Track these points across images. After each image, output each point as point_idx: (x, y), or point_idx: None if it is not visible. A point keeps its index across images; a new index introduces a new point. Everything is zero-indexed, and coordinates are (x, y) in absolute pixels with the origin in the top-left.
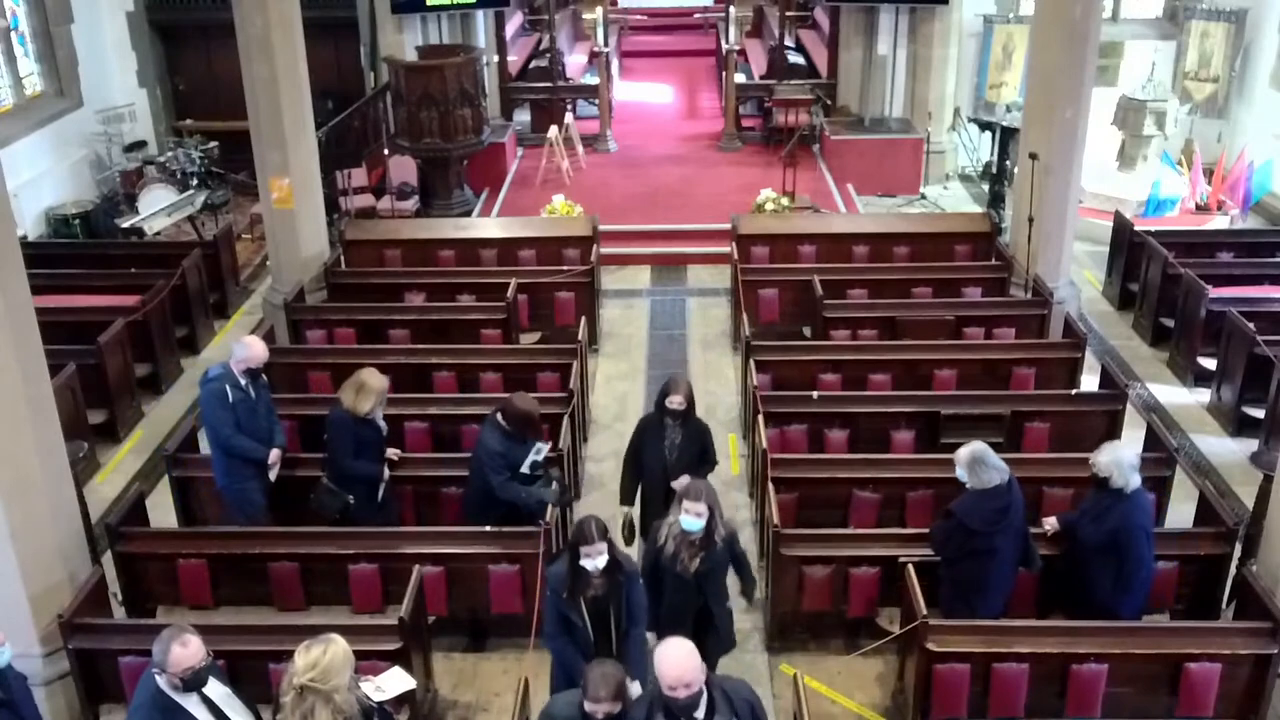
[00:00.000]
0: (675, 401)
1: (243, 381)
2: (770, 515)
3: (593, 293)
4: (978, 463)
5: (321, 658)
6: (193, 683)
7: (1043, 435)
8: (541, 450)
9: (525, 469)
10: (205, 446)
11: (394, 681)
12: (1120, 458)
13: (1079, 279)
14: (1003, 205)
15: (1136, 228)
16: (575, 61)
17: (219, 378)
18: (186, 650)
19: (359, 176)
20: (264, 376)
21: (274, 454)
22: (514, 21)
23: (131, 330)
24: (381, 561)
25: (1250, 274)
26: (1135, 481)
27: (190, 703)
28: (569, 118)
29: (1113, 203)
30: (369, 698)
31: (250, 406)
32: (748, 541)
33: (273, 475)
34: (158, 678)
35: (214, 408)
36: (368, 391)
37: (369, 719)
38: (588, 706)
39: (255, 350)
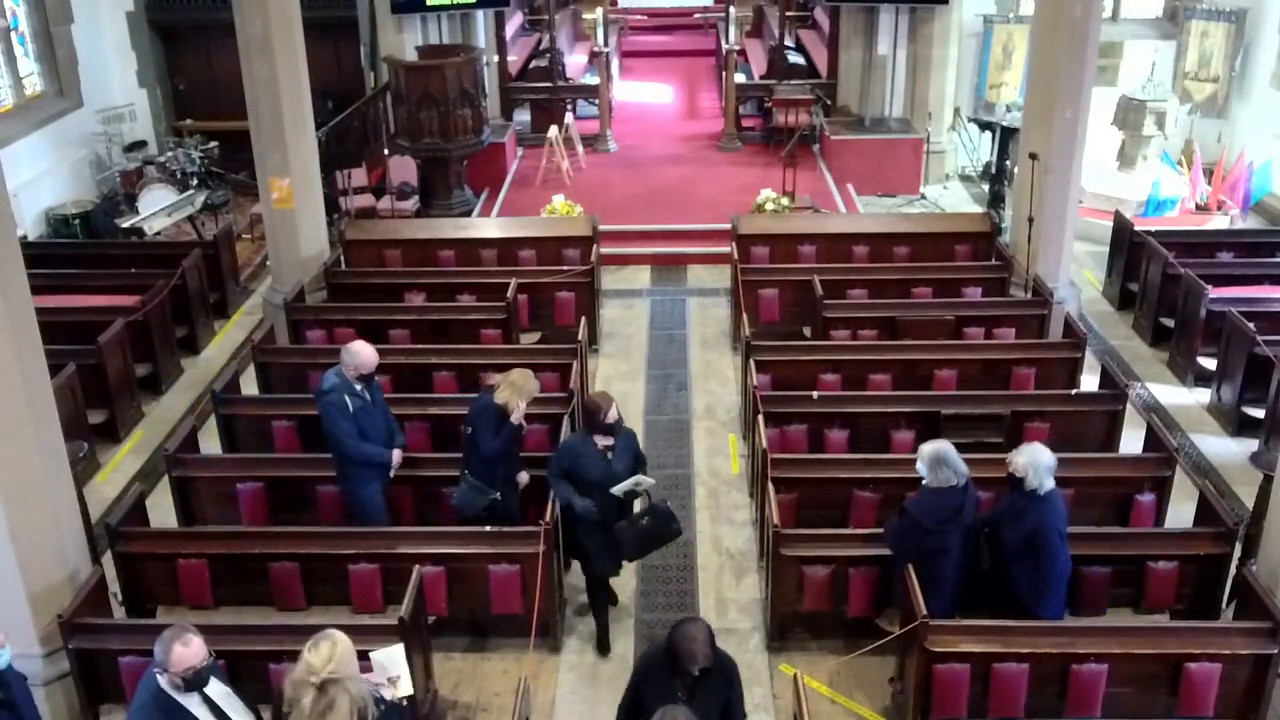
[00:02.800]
0: (695, 668)
1: (358, 387)
2: (770, 515)
3: (593, 293)
4: (940, 462)
5: (334, 650)
6: (194, 682)
7: (1042, 435)
8: (641, 483)
9: (618, 492)
10: (203, 447)
11: (392, 662)
12: (1037, 459)
13: (1079, 279)
14: (1003, 205)
15: (1136, 228)
16: (575, 61)
17: (335, 389)
18: (188, 650)
19: (359, 176)
20: (376, 378)
21: (396, 455)
22: (514, 21)
23: (131, 330)
24: (381, 561)
25: (1250, 274)
26: (1048, 484)
27: (191, 703)
28: (569, 118)
29: (1113, 203)
30: (378, 691)
31: (369, 410)
32: (748, 541)
33: (391, 473)
34: (159, 677)
35: (335, 420)
36: (517, 392)
37: (376, 708)
38: None
39: (365, 356)
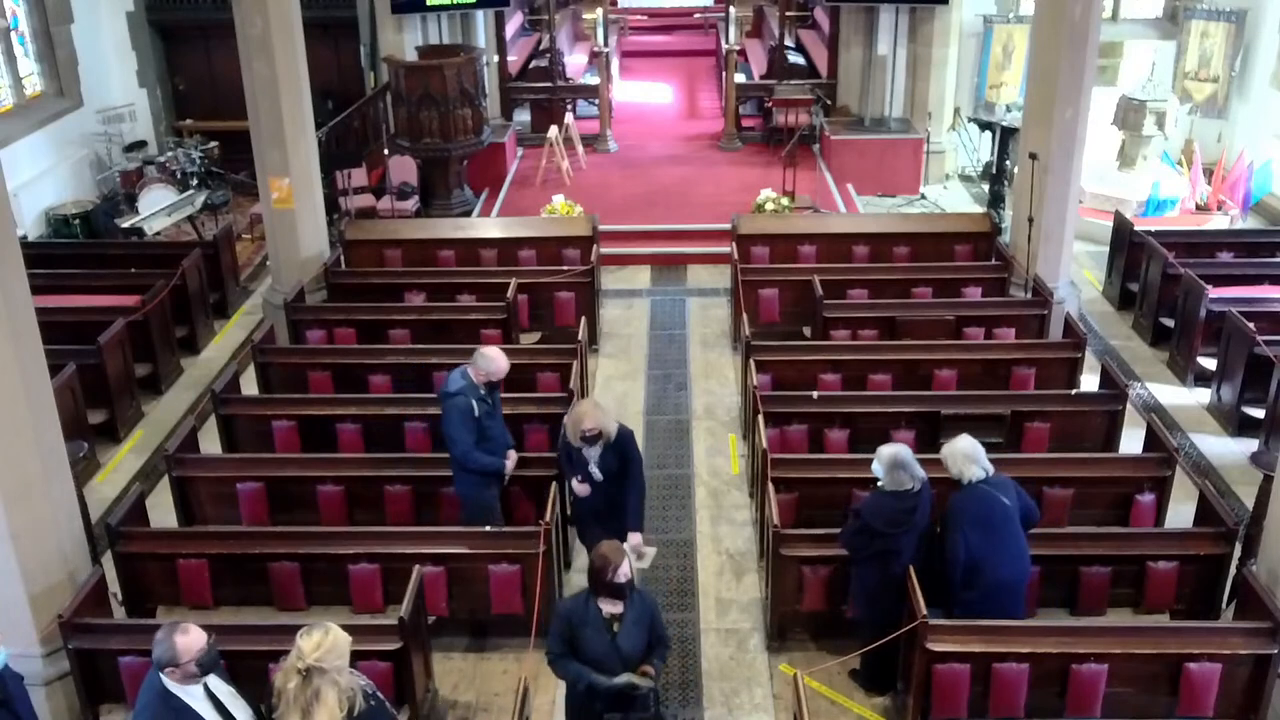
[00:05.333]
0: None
1: (483, 392)
2: (770, 515)
3: (593, 293)
4: (897, 465)
5: (325, 639)
6: (208, 665)
7: (1043, 435)
8: (638, 687)
9: (602, 686)
10: (203, 447)
11: None
12: (955, 449)
13: (1079, 279)
14: (1003, 205)
15: (1136, 228)
16: (575, 61)
17: (463, 392)
18: (189, 637)
19: (359, 176)
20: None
21: (511, 457)
22: (514, 21)
23: (131, 330)
24: (381, 561)
25: (1250, 274)
26: (970, 474)
27: (196, 701)
28: (569, 118)
29: (1113, 203)
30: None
31: (493, 415)
32: (748, 541)
33: (506, 477)
34: (164, 677)
35: (457, 424)
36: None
37: (366, 703)
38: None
39: (500, 364)
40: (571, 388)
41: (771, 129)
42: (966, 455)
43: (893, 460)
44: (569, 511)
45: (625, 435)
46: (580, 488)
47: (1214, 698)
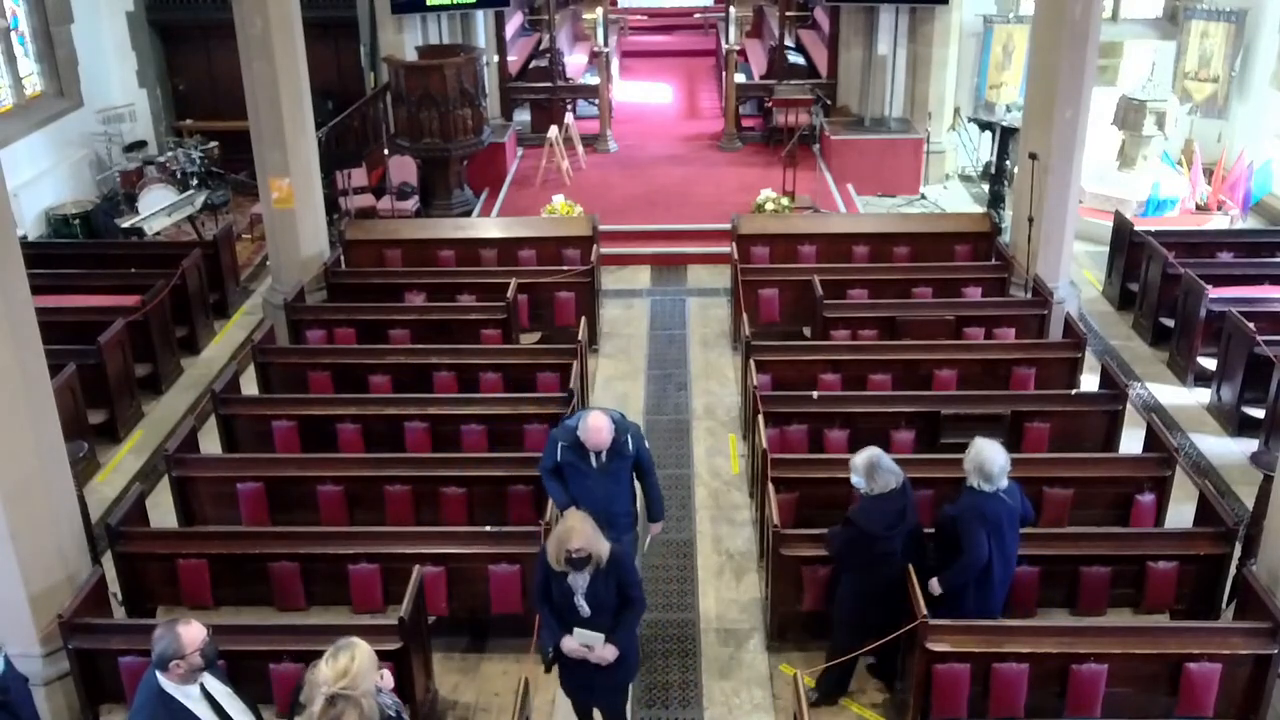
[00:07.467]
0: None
1: (586, 452)
2: (770, 515)
3: (593, 293)
4: (874, 469)
5: (350, 665)
6: (211, 656)
7: (1043, 435)
8: None
9: None
10: (203, 447)
11: None
12: (981, 457)
13: (1079, 279)
14: (1003, 205)
15: (1136, 228)
16: (575, 61)
17: (563, 430)
18: (191, 628)
19: (359, 176)
20: (630, 451)
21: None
22: (514, 21)
23: (131, 330)
24: (381, 561)
25: (1250, 274)
26: (975, 483)
27: (193, 701)
28: (569, 118)
29: (1113, 203)
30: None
31: (580, 470)
32: (748, 541)
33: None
34: (161, 677)
35: (547, 444)
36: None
37: None
38: None
39: (587, 435)
40: (571, 388)
41: (771, 129)
42: (981, 468)
43: (869, 465)
44: (546, 659)
45: (618, 556)
46: (571, 645)
47: (1214, 698)
